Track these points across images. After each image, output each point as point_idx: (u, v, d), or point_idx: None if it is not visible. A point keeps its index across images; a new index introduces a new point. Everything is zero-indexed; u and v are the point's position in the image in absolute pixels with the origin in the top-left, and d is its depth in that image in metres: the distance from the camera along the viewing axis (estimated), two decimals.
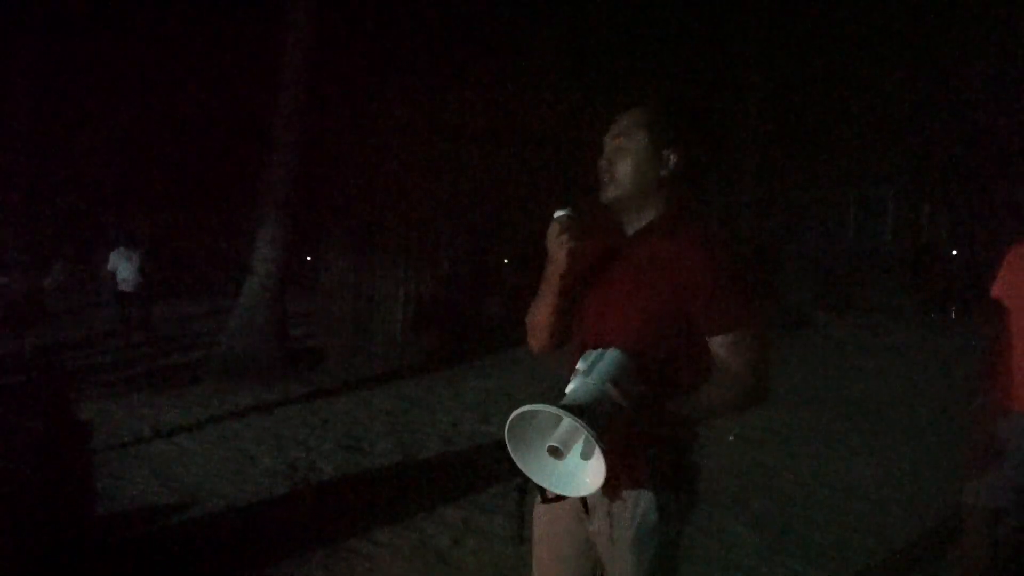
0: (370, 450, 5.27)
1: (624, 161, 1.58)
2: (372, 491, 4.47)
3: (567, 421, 1.29)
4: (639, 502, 1.51)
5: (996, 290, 2.44)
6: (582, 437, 1.31)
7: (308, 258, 15.61)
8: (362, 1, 10.10)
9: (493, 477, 4.59)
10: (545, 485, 1.42)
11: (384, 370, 8.53)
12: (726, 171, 12.94)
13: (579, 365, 1.43)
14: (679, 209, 1.61)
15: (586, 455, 1.35)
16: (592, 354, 1.45)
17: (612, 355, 1.42)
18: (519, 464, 1.41)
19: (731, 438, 5.32)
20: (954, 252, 13.91)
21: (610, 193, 1.60)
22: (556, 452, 1.34)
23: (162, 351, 9.62)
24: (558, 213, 1.56)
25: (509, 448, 1.39)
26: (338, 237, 10.22)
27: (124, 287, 9.50)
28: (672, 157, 1.58)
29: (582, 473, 1.36)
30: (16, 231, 14.61)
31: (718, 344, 1.49)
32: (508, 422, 1.35)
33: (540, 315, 1.71)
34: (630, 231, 1.63)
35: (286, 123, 8.60)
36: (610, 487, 1.44)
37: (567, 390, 1.41)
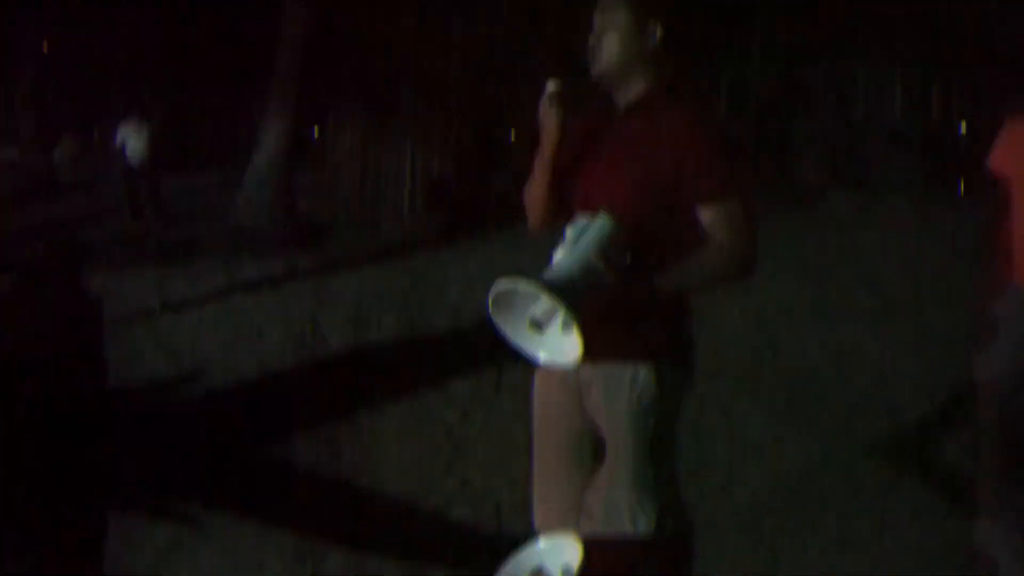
0: (378, 324, 5.27)
1: (610, 36, 1.60)
2: (379, 365, 4.50)
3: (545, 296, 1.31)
4: (635, 375, 1.52)
5: (994, 160, 2.29)
6: (560, 311, 1.33)
7: (316, 128, 15.21)
8: None
9: (501, 353, 4.56)
10: (530, 354, 1.45)
11: (392, 245, 8.44)
12: (731, 46, 12.17)
13: (567, 233, 1.43)
14: (666, 83, 1.64)
15: (566, 327, 1.36)
16: (580, 223, 1.44)
17: (599, 224, 1.42)
18: (507, 334, 1.42)
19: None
20: (962, 128, 13.33)
21: (598, 68, 1.62)
22: (537, 326, 1.37)
23: (171, 225, 9.54)
24: (549, 87, 1.59)
25: (495, 319, 1.41)
26: (345, 109, 9.87)
27: (132, 162, 9.27)
28: (656, 29, 1.60)
29: (563, 344, 1.39)
30: (25, 102, 14.21)
31: (705, 214, 1.51)
32: (491, 295, 1.37)
33: (535, 191, 1.72)
34: (620, 106, 1.64)
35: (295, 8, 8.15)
36: (604, 360, 1.48)
37: (553, 260, 1.41)
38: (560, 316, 1.34)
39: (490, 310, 1.39)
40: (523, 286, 1.34)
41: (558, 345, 1.40)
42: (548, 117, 1.59)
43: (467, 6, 9.63)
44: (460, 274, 7.06)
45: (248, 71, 13.28)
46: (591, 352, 1.41)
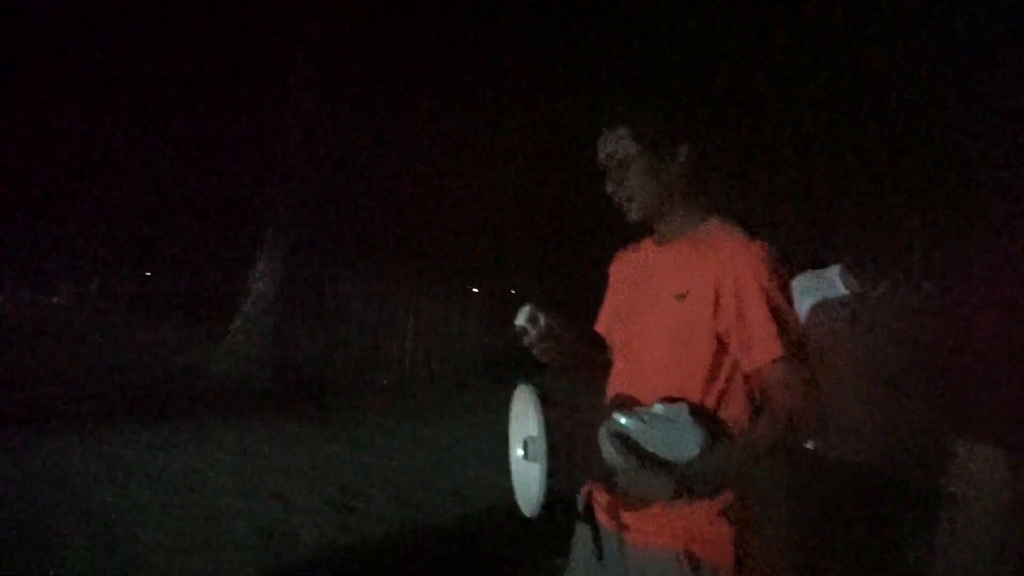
0: (365, 509, 4.32)
1: (632, 178, 1.45)
2: (363, 568, 3.52)
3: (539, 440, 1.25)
4: (665, 566, 1.32)
5: None
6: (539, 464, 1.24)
7: (324, 282, 14.88)
8: (369, 18, 9.34)
9: (519, 550, 3.63)
10: (512, 458, 1.39)
11: (391, 406, 7.59)
12: (770, 195, 11.99)
13: (658, 409, 1.28)
14: (707, 207, 1.48)
15: (534, 474, 1.27)
16: (680, 413, 1.27)
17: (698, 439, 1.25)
18: (510, 428, 1.40)
19: None
20: None
21: (634, 213, 1.48)
22: (526, 449, 1.30)
23: (147, 379, 8.72)
24: (517, 323, 1.47)
25: (512, 407, 1.38)
26: (346, 258, 9.38)
27: None
28: (680, 150, 1.45)
29: (528, 480, 1.31)
30: (17, 251, 13.95)
31: (762, 373, 1.33)
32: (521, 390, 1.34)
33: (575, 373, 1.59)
34: (659, 240, 1.53)
35: (290, 140, 7.89)
36: (632, 538, 1.37)
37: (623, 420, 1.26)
38: (540, 462, 1.24)
39: (514, 396, 1.38)
40: (531, 411, 1.29)
41: (525, 478, 1.33)
42: (535, 350, 1.47)
43: (473, 153, 9.40)
44: (468, 442, 6.19)
45: (240, 214, 13.10)
46: (622, 531, 1.37)
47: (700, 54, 10.47)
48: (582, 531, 1.49)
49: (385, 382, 8.74)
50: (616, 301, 1.60)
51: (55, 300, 16.99)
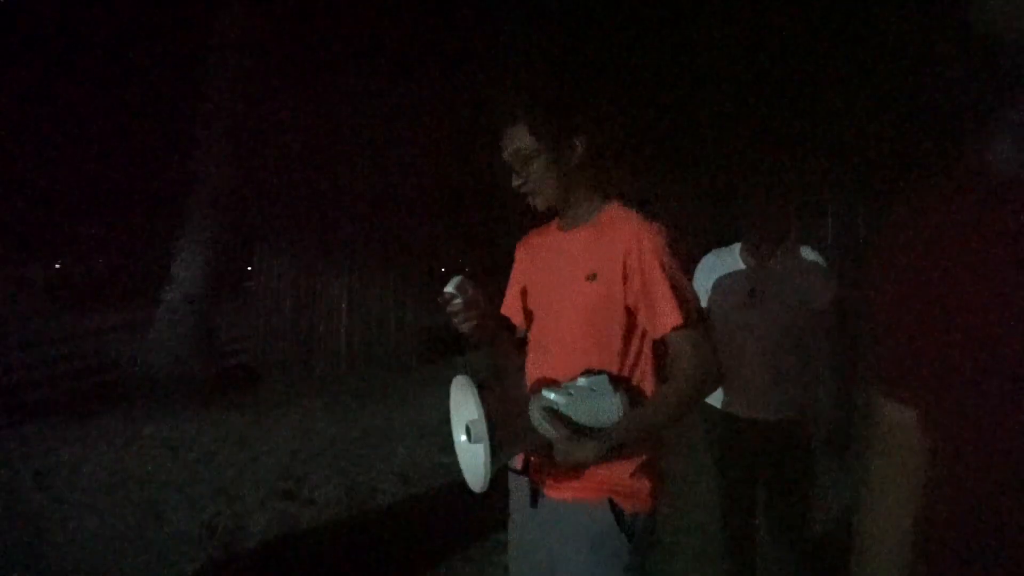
0: (311, 497, 4.29)
1: (534, 170, 1.53)
2: (313, 556, 3.51)
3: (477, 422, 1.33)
4: (591, 515, 1.46)
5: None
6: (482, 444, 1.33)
7: (249, 268, 14.42)
8: None
9: (465, 527, 3.69)
10: (456, 447, 1.50)
11: (329, 391, 7.50)
12: (669, 179, 12.33)
13: (581, 382, 1.41)
14: (605, 196, 1.59)
15: (478, 454, 1.38)
16: (600, 382, 1.41)
17: (611, 402, 1.40)
18: (452, 417, 1.51)
19: None
20: None
21: (539, 203, 1.58)
22: (468, 432, 1.42)
23: (71, 371, 8.34)
24: (446, 289, 1.54)
25: (452, 392, 1.49)
26: (275, 240, 9.14)
27: None
28: (577, 144, 1.53)
29: (473, 460, 1.43)
30: None
31: (667, 340, 1.47)
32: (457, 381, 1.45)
33: (504, 360, 1.72)
34: (563, 225, 1.63)
35: (213, 120, 7.60)
36: (560, 494, 1.50)
37: (552, 397, 1.39)
38: (481, 443, 1.33)
39: (452, 387, 1.48)
40: (469, 398, 1.39)
41: (471, 458, 1.45)
42: (459, 324, 1.54)
43: (402, 126, 9.27)
44: (408, 423, 6.19)
45: (160, 195, 12.59)
46: (553, 488, 1.51)
47: (600, 44, 10.63)
48: (518, 483, 1.62)
49: (321, 366, 8.62)
50: (525, 283, 1.69)
51: None
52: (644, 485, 1.49)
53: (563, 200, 1.57)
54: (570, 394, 1.39)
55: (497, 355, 1.70)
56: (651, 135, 10.57)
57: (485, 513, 3.79)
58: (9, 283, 17.24)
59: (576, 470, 1.46)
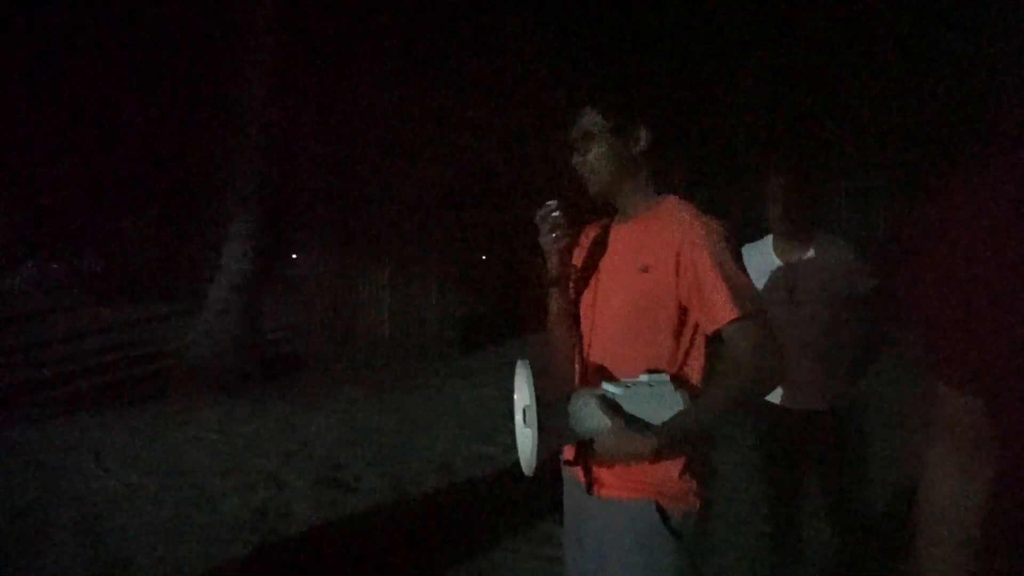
0: (356, 485, 4.39)
1: (595, 152, 1.56)
2: (359, 542, 3.61)
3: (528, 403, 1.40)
4: (637, 515, 1.46)
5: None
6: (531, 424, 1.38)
7: (295, 256, 14.70)
8: None
9: (506, 516, 3.75)
10: (516, 425, 1.51)
11: (370, 380, 7.64)
12: (717, 163, 12.18)
13: (643, 378, 1.42)
14: (662, 188, 1.60)
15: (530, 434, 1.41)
16: (662, 381, 1.41)
17: (674, 396, 1.39)
18: (515, 398, 1.51)
19: None
20: None
21: (593, 187, 1.59)
22: (524, 416, 1.45)
23: (123, 361, 8.63)
24: (544, 208, 1.55)
25: (517, 375, 1.50)
26: (319, 233, 9.31)
27: None
28: (641, 133, 1.56)
29: (527, 444, 1.45)
30: None
31: (724, 333, 1.44)
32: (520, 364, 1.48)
33: (553, 335, 1.68)
34: (620, 218, 1.64)
35: (256, 111, 7.75)
36: (604, 492, 1.52)
37: (611, 389, 1.40)
38: (529, 426, 1.39)
39: (516, 371, 1.50)
40: (523, 383, 1.45)
41: (524, 441, 1.47)
42: (550, 243, 1.57)
43: (450, 123, 9.34)
44: (449, 412, 6.27)
45: (208, 189, 12.87)
46: (601, 485, 1.52)
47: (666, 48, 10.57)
48: (569, 473, 1.63)
49: (363, 356, 8.76)
50: (584, 275, 1.69)
51: (16, 282, 16.57)
52: (691, 485, 1.48)
53: (617, 187, 1.59)
54: (628, 387, 1.40)
55: (559, 317, 1.66)
56: (679, 122, 10.44)
57: (526, 503, 3.85)
58: (65, 275, 17.85)
59: (622, 466, 1.46)
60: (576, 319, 1.65)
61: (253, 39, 7.88)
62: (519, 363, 1.48)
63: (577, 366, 1.62)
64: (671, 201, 1.57)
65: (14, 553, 3.37)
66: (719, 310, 1.42)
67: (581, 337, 1.63)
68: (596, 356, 1.57)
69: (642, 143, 1.57)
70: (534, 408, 1.34)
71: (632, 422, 1.37)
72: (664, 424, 1.37)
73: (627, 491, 1.49)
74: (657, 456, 1.38)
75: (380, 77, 9.26)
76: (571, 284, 1.67)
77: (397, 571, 3.26)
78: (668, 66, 10.48)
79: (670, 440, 1.37)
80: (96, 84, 13.84)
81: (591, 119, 1.56)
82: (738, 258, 1.47)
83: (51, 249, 18.61)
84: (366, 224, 9.23)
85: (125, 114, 14.32)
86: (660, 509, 1.46)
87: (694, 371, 1.50)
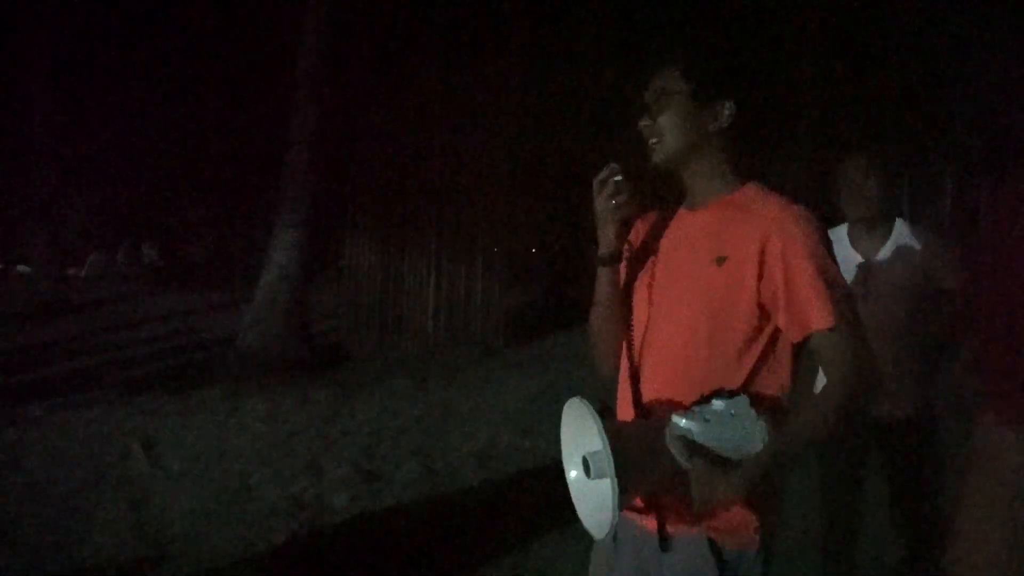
0: (392, 477, 4.39)
1: (668, 115, 1.37)
2: (394, 536, 3.60)
3: (599, 449, 1.14)
4: (689, 554, 1.28)
5: None
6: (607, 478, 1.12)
7: (342, 246, 14.94)
8: None
9: (541, 513, 3.68)
10: (568, 474, 1.29)
11: (414, 371, 7.66)
12: (778, 149, 11.77)
13: (717, 405, 1.19)
14: (744, 170, 1.40)
15: (601, 492, 1.17)
16: (742, 404, 1.19)
17: (760, 432, 1.18)
18: (562, 446, 1.30)
19: None
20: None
21: (659, 154, 1.39)
22: (587, 466, 1.18)
23: (175, 349, 8.86)
24: (606, 170, 1.37)
25: (565, 417, 1.28)
26: (365, 224, 9.39)
27: None
28: (724, 108, 1.36)
29: (593, 500, 1.23)
30: (41, 222, 14.06)
31: (815, 341, 1.27)
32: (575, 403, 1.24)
33: (602, 321, 1.48)
34: (688, 204, 1.44)
35: (306, 104, 7.87)
36: (652, 526, 1.32)
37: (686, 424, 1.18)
38: (608, 481, 1.13)
39: (565, 411, 1.28)
40: (589, 426, 1.18)
41: (591, 497, 1.24)
42: (609, 211, 1.39)
43: (494, 116, 9.27)
44: (489, 404, 6.24)
45: (259, 181, 13.14)
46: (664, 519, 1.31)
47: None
48: (625, 524, 1.41)
49: (407, 346, 8.81)
50: (640, 263, 1.48)
51: (81, 272, 17.22)
52: (750, 518, 1.28)
53: (686, 162, 1.39)
54: (707, 420, 1.19)
55: (607, 300, 1.47)
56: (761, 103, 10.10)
57: (562, 499, 3.78)
58: (127, 265, 18.47)
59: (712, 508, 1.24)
60: (627, 306, 1.46)
61: (303, 31, 7.96)
62: (575, 402, 1.24)
63: (625, 363, 1.43)
64: (753, 188, 1.38)
65: (61, 533, 3.47)
66: (814, 314, 1.24)
67: (631, 329, 1.43)
68: (654, 359, 1.38)
69: (723, 118, 1.36)
70: (609, 456, 1.11)
71: (719, 463, 1.17)
72: (755, 461, 1.19)
73: (676, 526, 1.30)
74: (752, 495, 1.21)
75: (426, 64, 9.26)
76: (624, 266, 1.47)
77: (428, 562, 3.24)
78: (749, 42, 10.13)
79: (760, 475, 1.20)
80: (153, 81, 14.28)
81: (670, 78, 1.37)
82: (833, 256, 1.30)
83: (115, 240, 19.34)
84: (412, 214, 9.25)
85: (182, 110, 14.74)
86: (714, 547, 1.28)
87: (772, 387, 1.31)
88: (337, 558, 3.38)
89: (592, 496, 1.23)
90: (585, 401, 1.21)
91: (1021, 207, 0.74)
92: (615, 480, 1.11)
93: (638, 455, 1.19)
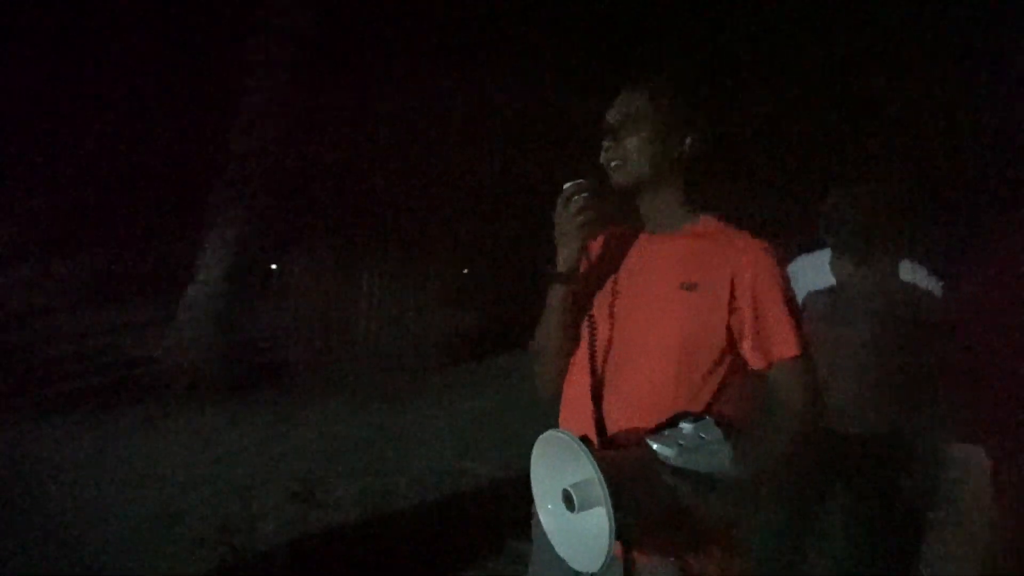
0: (327, 500, 4.26)
1: (635, 138, 1.38)
2: (328, 560, 3.48)
3: (592, 481, 1.10)
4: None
5: None
6: (601, 509, 1.09)
7: (273, 266, 14.56)
8: None
9: (479, 535, 3.64)
10: (543, 522, 1.24)
11: (350, 391, 7.50)
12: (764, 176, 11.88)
13: (685, 429, 1.20)
14: (698, 207, 1.44)
15: (595, 525, 1.12)
16: (708, 427, 1.20)
17: (722, 451, 1.18)
18: (535, 480, 1.25)
19: None
20: None
21: (622, 176, 1.41)
22: (569, 501, 1.13)
23: (92, 366, 8.43)
24: (574, 185, 1.35)
25: (535, 454, 1.23)
26: (300, 240, 9.19)
27: None
28: (688, 137, 1.40)
29: (583, 538, 1.17)
30: None
31: (770, 372, 1.32)
32: (547, 436, 1.19)
33: (551, 339, 1.45)
34: (650, 228, 1.46)
35: (240, 116, 7.69)
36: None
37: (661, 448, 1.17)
38: (604, 518, 1.09)
39: (539, 444, 1.22)
40: (583, 459, 1.12)
41: (576, 531, 1.18)
42: (572, 226, 1.36)
43: (428, 127, 9.23)
44: (428, 426, 6.15)
45: (185, 192, 12.69)
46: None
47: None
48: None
49: (344, 366, 8.63)
50: (599, 282, 1.48)
51: None
52: (718, 549, 1.31)
53: (648, 188, 1.42)
54: (680, 444, 1.19)
55: (560, 317, 1.44)
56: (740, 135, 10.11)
57: (498, 521, 3.75)
58: (32, 278, 17.50)
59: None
60: (578, 326, 1.45)
61: (241, 41, 7.79)
62: (553, 435, 1.19)
63: (585, 382, 1.40)
64: (712, 219, 1.42)
65: None
66: (779, 344, 1.31)
67: (593, 348, 1.40)
68: (619, 380, 1.37)
69: (686, 149, 1.40)
70: (601, 481, 1.08)
71: (702, 486, 1.17)
72: (728, 481, 1.20)
73: (643, 552, 1.30)
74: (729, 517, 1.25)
75: (365, 79, 9.16)
76: (580, 285, 1.46)
77: None
78: (717, 74, 10.23)
79: (734, 497, 1.21)
80: (76, 84, 13.68)
81: (637, 102, 1.40)
82: (792, 290, 1.36)
83: (22, 253, 18.33)
84: (348, 232, 9.11)
85: (105, 116, 14.16)
86: (683, 568, 1.29)
87: (733, 411, 1.34)
88: None
89: (581, 528, 1.18)
90: (566, 432, 1.17)
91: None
92: (611, 509, 1.07)
93: (631, 483, 1.16)
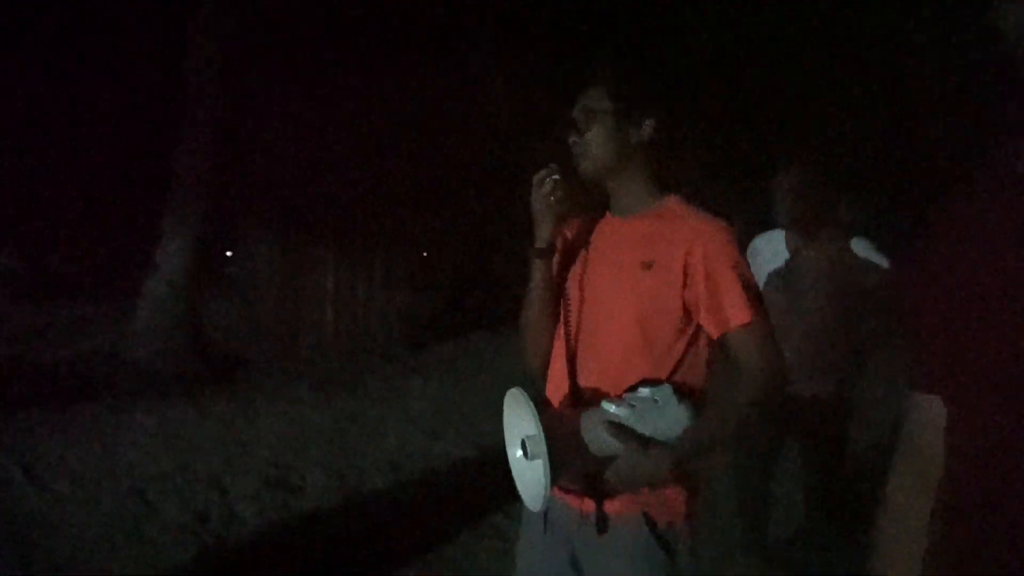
0: (302, 485, 4.32)
1: (594, 132, 1.49)
2: (306, 544, 3.55)
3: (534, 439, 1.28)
4: (626, 531, 1.41)
5: None
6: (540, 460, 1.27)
7: (228, 253, 14.31)
8: None
9: (452, 515, 3.75)
10: (511, 464, 1.41)
11: (316, 379, 7.51)
12: (724, 160, 12.07)
13: (644, 392, 1.35)
14: (667, 186, 1.55)
15: (535, 471, 1.31)
16: (665, 393, 1.35)
17: (680, 413, 1.33)
18: (506, 434, 1.42)
19: None
20: None
21: (586, 166, 1.52)
22: (524, 448, 1.31)
23: (53, 363, 8.25)
24: (546, 169, 1.49)
25: (506, 408, 1.42)
26: (259, 227, 9.10)
27: None
28: (646, 122, 1.50)
29: (529, 478, 1.36)
30: None
31: (730, 339, 1.40)
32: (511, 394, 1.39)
33: (533, 313, 1.59)
34: (615, 211, 1.56)
35: (196, 105, 7.55)
36: (585, 505, 1.44)
37: (614, 410, 1.32)
38: (540, 461, 1.27)
39: (506, 400, 1.40)
40: (525, 413, 1.32)
41: (528, 475, 1.36)
42: (546, 207, 1.50)
43: (388, 113, 9.19)
44: (396, 410, 6.22)
45: (142, 182, 12.39)
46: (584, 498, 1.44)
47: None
48: (560, 504, 1.52)
49: (308, 354, 8.62)
50: (571, 260, 1.60)
51: None
52: (679, 494, 1.43)
53: (612, 175, 1.52)
54: (632, 406, 1.32)
55: (542, 292, 1.57)
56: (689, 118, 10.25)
57: (474, 498, 3.86)
58: None
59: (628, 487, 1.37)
60: (557, 300, 1.58)
61: (194, 31, 7.65)
62: (513, 392, 1.38)
63: (561, 353, 1.54)
64: (674, 200, 1.52)
65: None
66: (732, 312, 1.39)
67: (567, 321, 1.54)
68: (589, 351, 1.50)
69: (645, 133, 1.50)
70: (542, 437, 1.25)
71: (646, 445, 1.30)
72: (677, 442, 1.32)
73: (611, 507, 1.43)
74: (676, 476, 1.36)
75: (320, 67, 9.07)
76: (557, 261, 1.59)
77: (342, 569, 3.22)
78: (679, 60, 10.35)
79: (685, 459, 1.34)
80: (20, 70, 13.22)
81: (596, 97, 1.50)
82: (746, 260, 1.46)
83: None
84: (309, 220, 9.06)
85: (57, 107, 13.73)
86: (648, 520, 1.41)
87: (694, 379, 1.45)
88: (249, 570, 3.31)
89: (529, 475, 1.36)
90: (523, 391, 1.35)
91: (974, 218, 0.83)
92: (547, 460, 1.24)
93: (569, 437, 1.33)
